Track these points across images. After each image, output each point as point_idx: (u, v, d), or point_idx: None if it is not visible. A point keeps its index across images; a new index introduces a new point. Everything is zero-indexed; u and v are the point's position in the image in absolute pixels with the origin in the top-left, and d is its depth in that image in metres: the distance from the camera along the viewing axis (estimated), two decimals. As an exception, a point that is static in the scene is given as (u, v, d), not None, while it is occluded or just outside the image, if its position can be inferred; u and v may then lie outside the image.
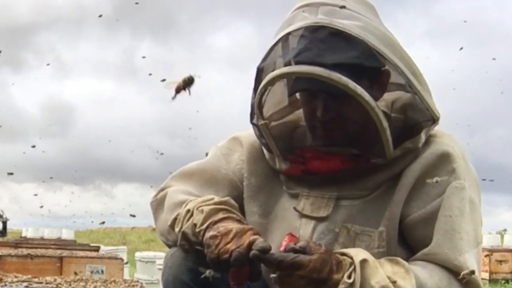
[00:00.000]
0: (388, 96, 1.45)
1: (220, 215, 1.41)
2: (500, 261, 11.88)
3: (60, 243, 9.27)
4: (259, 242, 1.31)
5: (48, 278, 4.34)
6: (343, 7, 1.39)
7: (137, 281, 5.00)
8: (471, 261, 1.38)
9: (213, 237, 1.35)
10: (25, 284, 4.00)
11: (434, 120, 1.44)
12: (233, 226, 1.37)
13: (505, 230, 15.74)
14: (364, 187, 1.44)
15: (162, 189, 1.64)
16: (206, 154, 1.68)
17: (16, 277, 4.41)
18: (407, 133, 1.41)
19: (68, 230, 14.74)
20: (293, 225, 1.48)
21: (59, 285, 4.05)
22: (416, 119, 1.42)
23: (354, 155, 1.42)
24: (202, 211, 1.42)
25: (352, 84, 1.32)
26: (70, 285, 4.11)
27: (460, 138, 1.50)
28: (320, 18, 1.39)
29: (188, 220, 1.44)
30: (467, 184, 1.42)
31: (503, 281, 11.62)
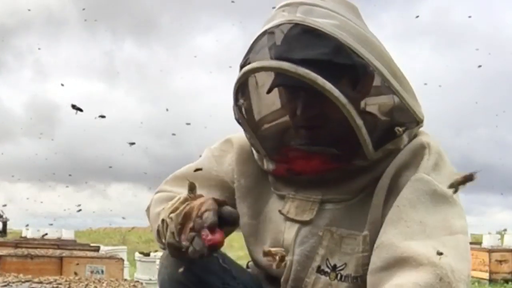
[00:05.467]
0: (375, 101, 1.43)
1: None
2: (500, 261, 11.89)
3: (60, 243, 9.25)
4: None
5: (48, 278, 4.36)
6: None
7: (137, 281, 5.02)
8: (422, 248, 1.28)
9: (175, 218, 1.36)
10: (25, 284, 4.01)
11: (417, 122, 1.44)
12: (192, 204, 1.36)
13: (505, 230, 15.72)
14: (348, 190, 1.44)
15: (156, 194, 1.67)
16: (200, 156, 1.70)
17: (16, 277, 4.42)
18: (388, 135, 1.41)
19: (68, 230, 14.69)
20: (279, 228, 1.50)
21: (59, 285, 4.06)
22: (396, 120, 1.41)
23: (335, 155, 1.41)
24: (172, 218, 1.39)
25: (320, 80, 1.30)
26: (70, 285, 4.12)
27: (445, 138, 1.47)
28: (294, 16, 1.39)
29: (166, 230, 1.41)
30: (433, 177, 1.38)
31: (503, 281, 11.63)
